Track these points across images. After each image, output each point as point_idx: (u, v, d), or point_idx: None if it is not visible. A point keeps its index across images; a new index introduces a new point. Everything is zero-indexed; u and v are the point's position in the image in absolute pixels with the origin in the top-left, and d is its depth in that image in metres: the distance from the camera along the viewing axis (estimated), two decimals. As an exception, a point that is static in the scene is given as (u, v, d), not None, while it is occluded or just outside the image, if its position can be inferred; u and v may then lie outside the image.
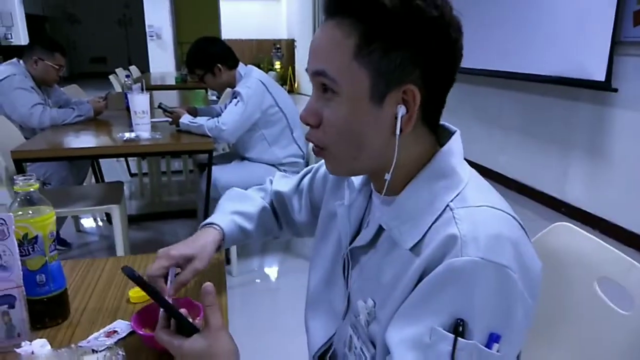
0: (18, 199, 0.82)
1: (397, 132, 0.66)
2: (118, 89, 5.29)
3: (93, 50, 14.98)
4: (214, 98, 4.96)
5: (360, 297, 0.75)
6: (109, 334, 0.84)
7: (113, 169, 4.31)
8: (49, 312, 0.87)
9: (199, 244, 0.94)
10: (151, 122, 2.52)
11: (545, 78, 3.52)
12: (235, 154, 2.84)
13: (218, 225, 0.98)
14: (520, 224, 0.66)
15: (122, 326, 0.87)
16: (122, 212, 2.47)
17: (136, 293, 0.96)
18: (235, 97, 2.52)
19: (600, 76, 3.02)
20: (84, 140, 2.50)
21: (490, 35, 4.01)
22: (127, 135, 2.42)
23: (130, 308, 0.93)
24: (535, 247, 0.95)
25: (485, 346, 0.59)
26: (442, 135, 0.73)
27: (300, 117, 0.72)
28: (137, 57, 13.21)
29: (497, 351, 0.59)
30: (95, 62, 14.79)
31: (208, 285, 0.72)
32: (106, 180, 3.68)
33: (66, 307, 0.90)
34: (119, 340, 0.83)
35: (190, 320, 0.74)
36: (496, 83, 4.28)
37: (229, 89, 2.85)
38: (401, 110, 0.66)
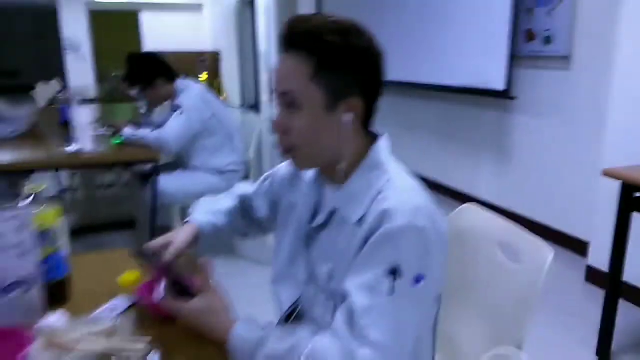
0: (30, 199, 0.97)
1: (347, 132, 0.89)
2: (42, 104, 5.17)
3: (2, 63, 14.15)
4: (142, 111, 4.99)
5: (322, 262, 0.97)
6: (110, 310, 1.00)
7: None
8: (55, 294, 1.01)
9: (174, 233, 1.11)
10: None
11: (457, 88, 3.94)
12: (179, 164, 2.97)
13: (193, 221, 1.16)
14: (431, 199, 0.91)
15: (119, 303, 1.03)
16: (64, 224, 2.53)
17: (126, 278, 1.12)
18: (177, 109, 2.67)
19: (501, 86, 3.46)
20: (27, 154, 2.53)
21: (412, 52, 4.41)
22: (71, 147, 2.49)
23: (122, 290, 1.09)
24: (449, 223, 1.22)
25: (413, 283, 0.83)
26: (373, 137, 0.98)
27: (272, 127, 0.93)
28: (51, 71, 12.67)
29: (421, 287, 0.83)
30: (6, 76, 13.96)
31: (203, 259, 0.91)
32: (39, 195, 3.64)
33: (69, 291, 1.05)
34: (120, 313, 0.99)
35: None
36: (415, 93, 4.68)
37: (166, 102, 2.99)
38: (348, 116, 0.89)
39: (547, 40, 3.21)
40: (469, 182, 4.17)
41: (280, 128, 0.91)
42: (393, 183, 0.90)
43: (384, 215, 0.84)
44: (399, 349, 0.83)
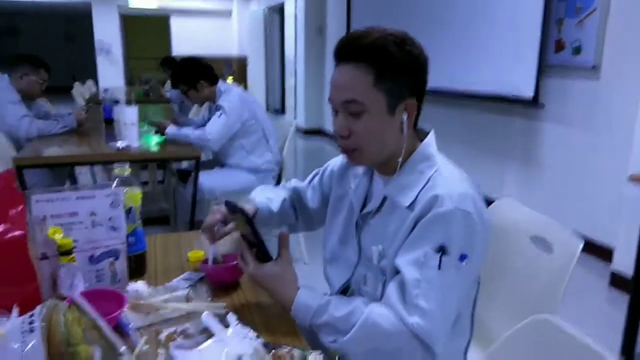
0: (116, 180, 1.10)
1: (405, 130, 1.01)
2: (80, 102, 5.41)
3: (36, 63, 14.58)
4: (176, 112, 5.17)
5: (372, 244, 1.08)
6: (184, 281, 1.13)
7: (82, 180, 4.44)
8: (136, 266, 1.14)
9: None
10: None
11: (485, 95, 4.02)
12: (216, 162, 3.12)
13: (254, 201, 1.28)
14: (476, 188, 1.02)
15: (191, 276, 1.15)
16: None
17: (194, 254, 1.25)
18: (219, 110, 2.81)
19: (530, 94, 3.54)
20: (79, 150, 2.70)
21: (441, 59, 4.49)
22: (119, 144, 2.65)
23: (191, 266, 1.22)
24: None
25: (458, 261, 0.94)
26: (420, 133, 1.09)
27: (334, 132, 1.04)
28: (82, 72, 13.01)
29: (465, 264, 0.94)
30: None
31: (283, 232, 1.04)
32: (81, 189, 3.83)
33: (146, 263, 1.18)
34: (194, 282, 1.12)
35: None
36: (443, 101, 4.77)
37: (206, 103, 3.14)
38: (405, 116, 1.01)
39: (576, 50, 3.28)
40: (495, 188, 4.23)
41: (344, 132, 1.02)
42: (441, 173, 1.01)
43: (434, 201, 0.95)
44: (444, 318, 0.94)
